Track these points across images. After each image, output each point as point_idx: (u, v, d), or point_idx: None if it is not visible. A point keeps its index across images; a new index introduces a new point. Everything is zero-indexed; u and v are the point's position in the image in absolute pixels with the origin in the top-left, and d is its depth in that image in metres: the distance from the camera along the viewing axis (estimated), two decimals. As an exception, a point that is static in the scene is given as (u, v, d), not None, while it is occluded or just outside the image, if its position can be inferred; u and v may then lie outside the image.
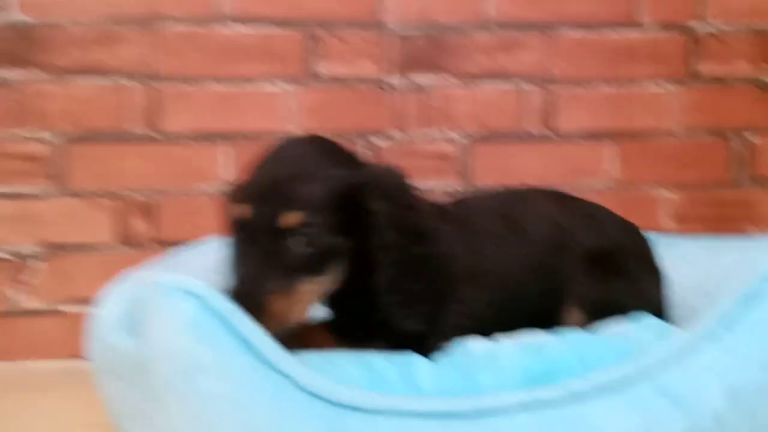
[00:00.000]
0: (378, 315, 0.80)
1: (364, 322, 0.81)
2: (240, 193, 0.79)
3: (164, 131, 1.50)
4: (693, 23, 1.58)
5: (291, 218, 0.75)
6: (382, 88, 1.53)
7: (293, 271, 0.76)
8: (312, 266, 0.77)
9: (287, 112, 1.52)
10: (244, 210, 0.77)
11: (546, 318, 0.96)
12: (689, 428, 0.65)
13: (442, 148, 1.55)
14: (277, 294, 0.75)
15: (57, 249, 1.48)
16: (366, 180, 0.80)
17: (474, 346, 0.80)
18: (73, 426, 1.08)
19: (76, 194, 1.48)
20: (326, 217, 0.76)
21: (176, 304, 0.71)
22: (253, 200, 0.76)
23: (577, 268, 0.98)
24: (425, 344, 0.81)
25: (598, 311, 0.95)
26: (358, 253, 0.79)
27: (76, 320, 1.46)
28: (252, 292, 0.73)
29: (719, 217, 1.59)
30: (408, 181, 0.85)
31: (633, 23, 1.57)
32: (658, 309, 0.99)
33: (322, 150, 0.83)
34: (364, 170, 0.82)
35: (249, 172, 0.82)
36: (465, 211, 1.00)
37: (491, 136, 1.56)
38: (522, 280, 0.97)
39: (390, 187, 0.81)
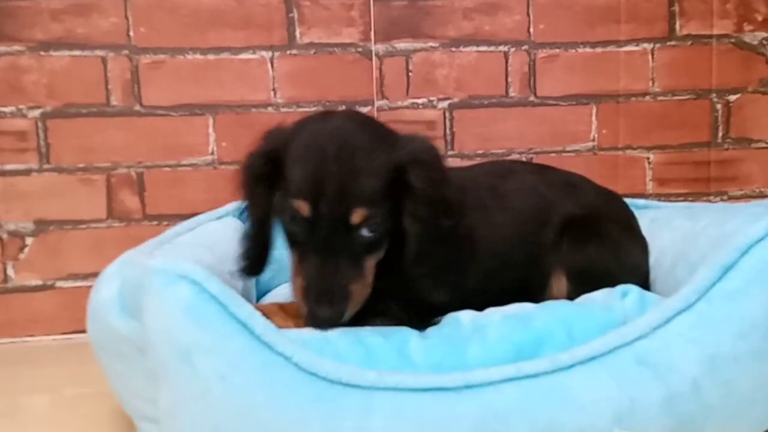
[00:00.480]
0: (400, 285, 0.85)
1: (386, 292, 0.85)
2: (300, 189, 0.80)
3: (145, 103, 1.49)
4: (674, -17, 1.59)
5: (359, 215, 0.80)
6: (364, 55, 1.53)
7: (361, 256, 0.82)
8: (374, 247, 0.83)
9: (269, 81, 1.52)
10: (309, 207, 0.80)
11: (535, 286, 1.00)
12: (668, 395, 0.69)
13: (425, 114, 1.56)
14: (355, 281, 0.81)
15: (47, 225, 1.49)
16: (408, 158, 0.82)
17: (464, 319, 0.83)
18: (69, 398, 1.11)
19: (63, 170, 1.48)
20: (385, 204, 0.81)
21: (172, 289, 0.73)
22: (317, 199, 0.79)
23: (559, 235, 1.02)
24: (437, 314, 0.86)
25: (581, 277, 0.98)
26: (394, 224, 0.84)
27: (71, 295, 1.48)
28: (336, 285, 0.79)
29: (701, 177, 1.62)
30: (439, 152, 0.88)
31: (614, -16, 1.57)
32: (640, 275, 1.03)
33: (363, 129, 0.85)
34: (404, 146, 0.84)
35: (288, 153, 0.83)
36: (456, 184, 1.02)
37: (473, 101, 1.57)
38: (512, 249, 1.00)
39: (426, 161, 0.84)
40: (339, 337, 0.80)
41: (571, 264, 1.00)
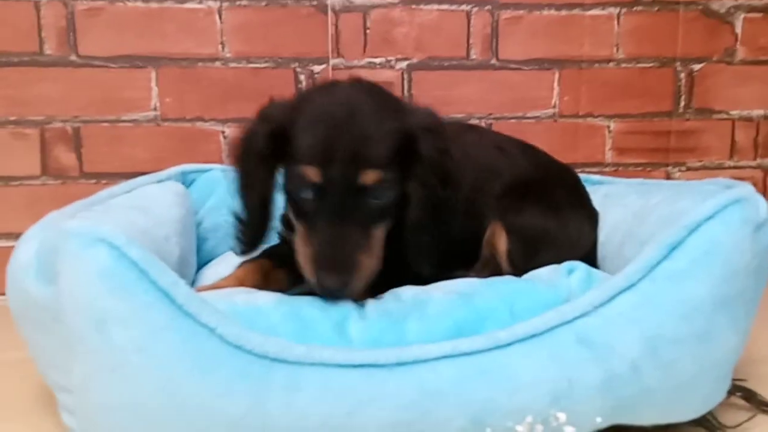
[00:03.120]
0: (395, 254, 0.84)
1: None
2: (309, 155, 0.80)
3: (81, 53, 1.40)
4: (641, -54, 1.53)
5: (370, 177, 0.79)
6: (319, 9, 1.46)
7: (369, 225, 0.81)
8: (382, 216, 0.82)
9: (217, 33, 1.44)
10: (318, 173, 0.79)
11: (480, 241, 1.01)
12: (607, 377, 0.67)
13: (383, 74, 1.50)
14: (363, 251, 0.80)
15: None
16: (418, 126, 0.83)
17: (406, 294, 0.80)
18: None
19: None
20: (394, 170, 0.81)
21: (89, 253, 0.68)
22: (328, 163, 0.79)
23: (508, 190, 1.03)
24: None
25: (520, 234, 0.98)
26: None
27: (5, 255, 1.40)
28: (344, 253, 0.78)
29: (661, 148, 1.60)
30: (444, 123, 0.88)
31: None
32: (583, 242, 1.03)
33: (372, 96, 0.85)
34: (413, 114, 0.86)
35: (295, 125, 0.82)
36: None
37: (433, 63, 1.51)
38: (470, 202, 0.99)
39: (436, 131, 0.85)
40: (273, 308, 0.76)
41: (511, 219, 1.00)
